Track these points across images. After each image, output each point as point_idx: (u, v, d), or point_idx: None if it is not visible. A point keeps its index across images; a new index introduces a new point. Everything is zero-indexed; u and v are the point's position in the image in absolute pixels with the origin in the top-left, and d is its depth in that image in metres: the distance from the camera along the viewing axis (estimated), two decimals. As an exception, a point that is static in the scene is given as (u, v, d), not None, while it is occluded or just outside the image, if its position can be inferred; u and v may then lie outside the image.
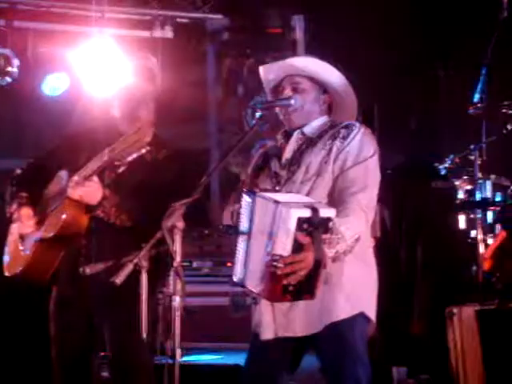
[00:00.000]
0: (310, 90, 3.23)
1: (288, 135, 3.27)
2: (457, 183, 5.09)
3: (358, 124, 3.17)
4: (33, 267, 3.78)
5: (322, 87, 3.25)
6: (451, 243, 5.40)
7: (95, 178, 3.61)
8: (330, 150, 3.11)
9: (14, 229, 3.92)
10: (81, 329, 3.79)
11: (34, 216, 3.86)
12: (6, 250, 3.96)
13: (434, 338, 4.47)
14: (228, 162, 3.26)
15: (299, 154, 3.18)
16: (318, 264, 2.84)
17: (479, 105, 4.88)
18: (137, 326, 3.01)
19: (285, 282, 2.83)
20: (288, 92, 3.23)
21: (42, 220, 3.81)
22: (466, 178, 5.06)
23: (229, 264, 5.81)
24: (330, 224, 2.86)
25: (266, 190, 3.07)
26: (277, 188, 3.15)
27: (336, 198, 3.04)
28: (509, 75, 5.29)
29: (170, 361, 2.89)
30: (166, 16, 7.17)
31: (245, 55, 7.48)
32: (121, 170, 3.66)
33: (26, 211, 3.86)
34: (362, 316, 3.07)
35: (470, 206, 5.02)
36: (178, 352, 2.89)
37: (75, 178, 3.65)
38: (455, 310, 4.11)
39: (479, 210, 4.92)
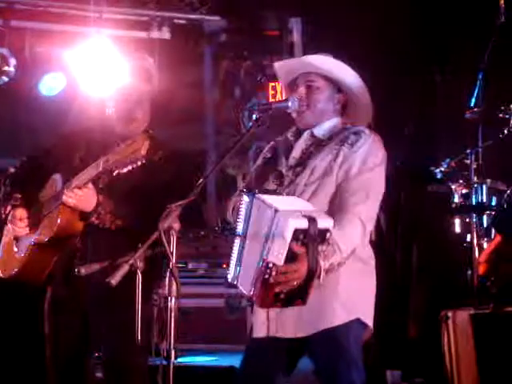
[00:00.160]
0: (324, 89, 3.20)
1: (299, 133, 3.25)
2: (453, 187, 5.09)
3: (367, 131, 3.14)
4: (28, 269, 3.78)
5: (337, 86, 3.21)
6: (446, 247, 5.40)
7: (90, 185, 3.60)
8: (337, 155, 3.09)
9: (8, 230, 3.91)
10: (75, 329, 3.78)
11: (28, 218, 3.85)
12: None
13: (429, 342, 4.47)
14: (225, 163, 3.25)
15: (306, 156, 3.16)
16: (312, 275, 2.83)
17: (476, 109, 4.89)
18: (131, 327, 3.01)
19: (277, 289, 2.83)
20: (302, 90, 3.19)
21: (36, 223, 3.80)
22: (461, 181, 5.06)
23: (224, 265, 5.85)
24: (327, 235, 2.85)
25: (266, 191, 3.06)
26: (279, 189, 3.14)
27: (336, 206, 3.03)
28: (505, 80, 5.30)
29: (165, 362, 2.89)
30: (163, 17, 7.17)
31: (242, 57, 7.49)
32: (115, 173, 3.64)
33: (20, 213, 3.85)
34: (358, 322, 3.06)
35: (465, 209, 5.02)
36: (173, 353, 2.88)
37: (70, 185, 3.63)
38: (450, 314, 4.11)
39: (475, 214, 4.92)
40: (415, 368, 4.82)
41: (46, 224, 3.73)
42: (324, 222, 2.84)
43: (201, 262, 6.13)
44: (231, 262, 3.00)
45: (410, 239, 5.63)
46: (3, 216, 3.91)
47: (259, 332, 3.14)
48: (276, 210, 2.81)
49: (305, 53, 7.05)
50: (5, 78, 6.39)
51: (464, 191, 5.05)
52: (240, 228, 2.97)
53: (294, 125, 3.30)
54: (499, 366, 4.02)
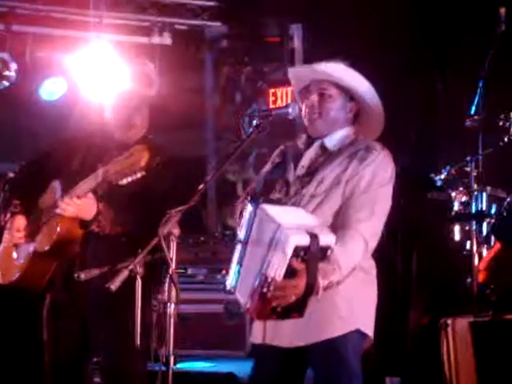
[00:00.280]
0: (336, 97, 3.17)
1: (309, 141, 3.23)
2: (453, 194, 5.09)
3: (378, 147, 3.10)
4: (27, 276, 3.78)
5: (349, 95, 3.18)
6: (446, 254, 5.40)
7: (90, 195, 3.59)
8: (346, 169, 3.06)
9: (7, 237, 3.90)
10: (74, 335, 3.78)
11: (27, 225, 3.85)
12: None
13: (428, 349, 4.47)
14: (225, 169, 3.25)
15: (315, 166, 3.14)
16: (310, 291, 2.82)
17: (476, 117, 4.89)
18: (130, 333, 3.01)
19: (274, 304, 2.82)
20: (314, 97, 3.16)
21: (36, 230, 3.80)
22: (461, 189, 5.06)
23: (224, 271, 5.84)
24: (329, 252, 2.83)
25: (271, 201, 3.05)
26: (284, 199, 3.12)
27: (340, 221, 3.00)
28: (505, 88, 5.31)
29: (164, 368, 2.88)
30: (164, 22, 7.19)
31: (243, 63, 7.51)
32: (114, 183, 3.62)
33: (20, 220, 3.85)
34: (358, 332, 3.04)
35: (465, 217, 5.02)
36: (172, 359, 2.88)
37: (70, 194, 3.62)
38: (449, 322, 4.11)
39: (474, 222, 4.92)
40: (414, 375, 4.81)
41: (46, 232, 3.72)
42: (326, 239, 2.81)
43: (200, 268, 6.12)
44: (231, 269, 2.99)
45: (410, 247, 5.62)
46: (2, 223, 3.90)
47: (256, 338, 3.13)
48: (279, 225, 2.79)
49: (305, 59, 7.09)
50: (5, 83, 6.40)
51: (464, 199, 5.05)
52: (242, 236, 2.96)
53: (304, 132, 3.27)
54: (498, 373, 4.02)
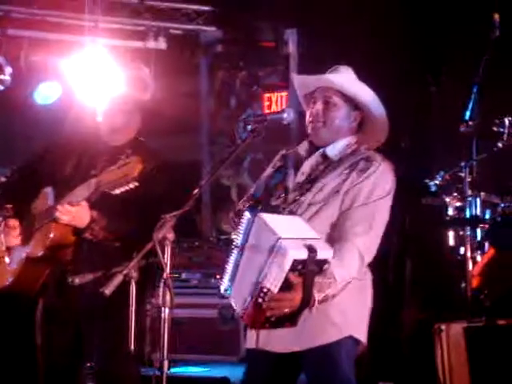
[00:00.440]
0: (341, 106, 3.15)
1: (310, 149, 3.22)
2: (447, 200, 5.10)
3: (379, 159, 3.09)
4: (20, 281, 3.77)
5: (354, 103, 3.17)
6: (440, 260, 5.41)
7: (84, 203, 3.58)
8: (345, 179, 3.04)
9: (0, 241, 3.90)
10: (67, 339, 3.77)
11: (20, 229, 3.84)
12: None
13: (422, 354, 4.47)
14: (219, 174, 3.24)
15: (315, 175, 3.13)
16: (304, 305, 2.82)
17: (470, 123, 4.90)
18: (124, 338, 3.00)
19: (268, 314, 2.82)
20: (319, 105, 3.15)
21: (28, 235, 3.80)
22: (455, 194, 5.07)
23: (218, 276, 5.84)
24: (325, 266, 2.83)
25: (269, 208, 3.04)
26: (283, 206, 3.11)
27: (337, 233, 2.99)
28: (499, 93, 5.32)
29: (158, 372, 2.88)
30: (159, 27, 7.19)
31: (237, 68, 7.52)
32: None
33: (12, 224, 3.84)
34: (351, 338, 3.04)
35: (459, 222, 5.03)
36: (166, 364, 2.88)
37: (63, 202, 3.62)
38: (443, 327, 4.11)
39: (469, 227, 4.93)
40: (408, 380, 4.82)
41: (39, 238, 3.72)
42: (324, 253, 2.80)
43: (194, 273, 6.12)
44: (225, 273, 2.99)
45: (404, 252, 5.63)
46: (-6, 227, 3.90)
47: (249, 343, 3.13)
48: (278, 238, 2.78)
49: (300, 64, 7.10)
50: (0, 87, 6.38)
51: (458, 204, 5.06)
52: (238, 242, 2.95)
53: (304, 139, 3.26)
54: (492, 378, 4.02)
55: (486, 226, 4.94)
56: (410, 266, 5.60)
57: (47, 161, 3.93)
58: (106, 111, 3.86)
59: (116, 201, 3.55)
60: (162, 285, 2.85)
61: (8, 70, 6.42)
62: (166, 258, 2.87)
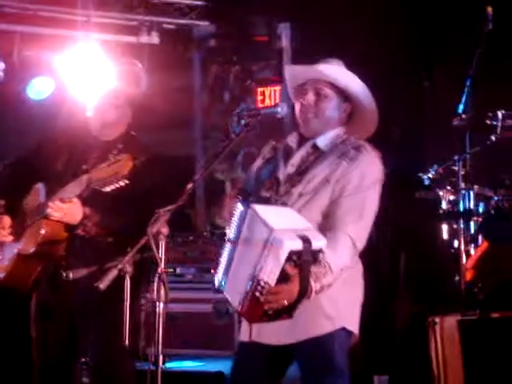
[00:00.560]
0: (332, 97, 3.18)
1: (300, 140, 3.23)
2: (440, 193, 5.11)
3: (368, 147, 3.13)
4: (13, 277, 3.77)
5: (344, 95, 3.20)
6: (434, 253, 5.42)
7: (75, 199, 3.58)
8: (335, 169, 3.07)
9: None
10: (62, 335, 3.78)
11: (11, 225, 3.84)
12: None
13: (416, 347, 4.48)
14: (213, 168, 3.24)
15: (305, 165, 3.15)
16: (302, 296, 2.84)
17: (463, 116, 4.91)
18: (119, 332, 3.01)
19: (266, 307, 2.82)
20: (310, 96, 3.17)
21: (20, 232, 3.79)
22: (449, 188, 5.08)
23: (212, 270, 5.84)
24: (320, 256, 2.85)
25: (261, 200, 3.05)
26: (274, 197, 3.11)
27: (329, 222, 3.01)
28: (493, 87, 5.33)
29: (153, 367, 2.88)
30: (152, 22, 7.18)
31: (231, 62, 7.50)
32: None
33: (4, 220, 3.83)
34: (343, 330, 3.06)
35: (453, 216, 5.04)
36: (161, 358, 2.88)
37: (54, 198, 3.61)
38: (437, 320, 4.12)
39: (462, 221, 4.93)
40: (402, 373, 4.83)
41: (30, 234, 3.72)
42: (318, 243, 2.82)
43: (189, 267, 6.12)
44: (219, 268, 2.99)
45: (398, 245, 5.64)
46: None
47: (243, 336, 3.14)
48: (272, 230, 2.79)
49: (293, 58, 7.09)
50: (-7, 82, 6.37)
51: (451, 197, 5.07)
52: (231, 235, 2.96)
53: (295, 131, 3.28)
54: (486, 371, 4.04)
55: (480, 219, 4.95)
56: (403, 260, 5.61)
57: (40, 156, 3.93)
58: (98, 106, 3.86)
59: (108, 197, 3.55)
60: (156, 279, 2.86)
61: (1, 65, 6.40)
62: (161, 253, 2.87)
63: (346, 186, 3.04)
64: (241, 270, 2.88)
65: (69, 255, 3.71)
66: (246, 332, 3.11)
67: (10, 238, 3.81)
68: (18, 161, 4.06)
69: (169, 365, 3.00)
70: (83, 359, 3.97)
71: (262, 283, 2.77)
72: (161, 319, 2.86)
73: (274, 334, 3.04)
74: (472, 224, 4.99)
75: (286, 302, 2.82)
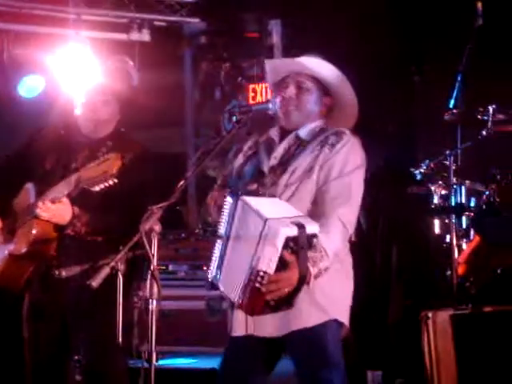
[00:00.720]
0: (313, 90, 3.22)
1: (283, 132, 3.25)
2: (432, 188, 5.11)
3: (348, 133, 3.16)
4: (4, 278, 3.77)
5: (325, 89, 3.24)
6: (426, 248, 5.43)
7: (64, 199, 3.58)
8: (318, 156, 3.10)
9: None
10: (54, 333, 3.77)
11: (2, 226, 3.83)
12: None
13: (409, 342, 4.49)
14: (205, 165, 3.25)
15: (288, 157, 3.17)
16: (302, 282, 2.85)
17: (454, 111, 4.92)
18: (111, 330, 3.01)
19: (267, 298, 2.83)
20: (292, 89, 3.20)
21: (11, 232, 3.79)
22: (441, 183, 5.09)
23: (205, 267, 5.83)
24: (314, 240, 2.87)
25: (248, 192, 3.06)
26: (261, 190, 3.13)
27: (318, 209, 3.04)
28: (483, 82, 5.34)
29: (146, 364, 2.88)
30: (143, 19, 7.15)
31: (222, 59, 7.49)
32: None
33: None
34: (335, 321, 3.07)
35: (444, 210, 5.05)
36: (154, 356, 2.88)
37: (43, 199, 3.60)
38: (430, 314, 4.12)
39: (454, 215, 4.94)
40: (396, 368, 4.84)
41: (22, 235, 3.71)
42: (311, 228, 2.84)
43: (181, 264, 6.11)
44: (212, 263, 2.99)
45: (390, 240, 5.65)
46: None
47: (238, 330, 3.13)
48: (266, 219, 2.80)
49: (284, 55, 7.09)
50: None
51: (443, 192, 5.07)
52: (223, 229, 2.97)
53: (276, 124, 3.30)
54: (478, 366, 4.05)
55: (471, 213, 4.96)
56: (396, 255, 5.61)
57: (29, 155, 3.92)
58: (87, 103, 3.85)
59: (97, 196, 3.55)
60: (149, 277, 2.86)
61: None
62: (153, 250, 2.87)
63: (330, 171, 3.07)
64: (236, 264, 2.88)
65: (60, 254, 3.71)
66: (239, 326, 3.11)
67: (1, 239, 3.81)
68: (8, 159, 4.05)
69: (162, 362, 3.00)
70: (76, 357, 3.97)
71: (262, 273, 2.78)
72: (154, 316, 2.86)
73: (268, 326, 3.05)
74: (464, 219, 5.00)
75: (287, 290, 2.83)
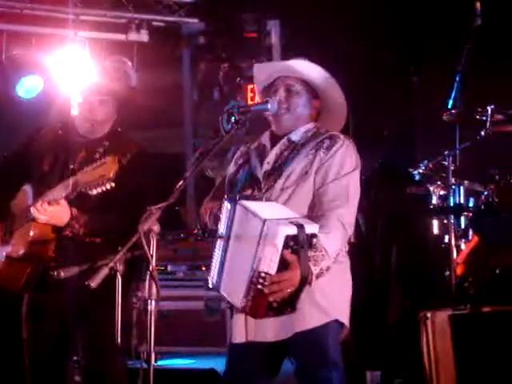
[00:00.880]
0: (302, 93, 3.23)
1: (274, 138, 3.26)
2: (430, 188, 5.12)
3: (342, 136, 3.17)
4: (3, 279, 3.77)
5: (314, 92, 3.24)
6: (425, 248, 5.43)
7: (62, 201, 3.57)
8: (313, 160, 3.11)
9: None
10: (53, 333, 3.77)
11: (0, 229, 3.83)
12: None
13: (408, 342, 4.49)
14: (204, 165, 3.25)
15: (281, 161, 3.17)
16: (304, 282, 2.85)
17: (453, 111, 4.92)
18: (110, 331, 3.00)
19: (270, 299, 2.83)
20: (281, 93, 3.21)
21: (8, 235, 3.78)
22: (439, 183, 5.09)
23: (203, 268, 5.84)
24: (314, 240, 2.87)
25: (245, 197, 3.06)
26: (258, 195, 3.13)
27: (317, 212, 3.04)
28: (482, 82, 5.34)
29: (145, 365, 2.88)
30: (141, 19, 7.15)
31: (220, 59, 7.48)
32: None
33: None
34: (336, 322, 3.08)
35: (443, 211, 5.05)
36: (153, 356, 2.88)
37: (41, 201, 3.60)
38: (428, 315, 4.12)
39: (452, 216, 4.94)
40: (395, 369, 4.84)
41: (19, 237, 3.71)
42: (311, 228, 2.85)
43: (180, 265, 6.11)
44: (212, 268, 2.99)
45: (389, 241, 5.65)
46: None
47: (238, 337, 3.13)
48: (264, 220, 2.80)
49: (283, 55, 7.09)
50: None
51: (442, 192, 5.08)
52: (222, 234, 2.96)
53: (268, 129, 3.31)
54: (477, 366, 4.05)
55: (470, 214, 4.96)
56: (395, 255, 5.61)
57: (27, 155, 3.92)
58: (85, 103, 3.85)
59: (95, 198, 3.55)
60: (148, 277, 2.85)
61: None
62: (152, 250, 2.87)
63: (327, 173, 3.08)
64: (237, 268, 2.88)
65: (58, 256, 3.70)
66: (240, 333, 3.11)
67: None
68: (7, 159, 4.05)
69: (161, 362, 3.00)
70: (75, 357, 3.97)
71: (263, 274, 2.78)
72: (152, 317, 2.86)
73: (268, 330, 3.05)
74: (462, 219, 5.00)
75: (290, 290, 2.83)
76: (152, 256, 2.86)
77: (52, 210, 3.57)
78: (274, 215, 2.86)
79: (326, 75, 3.24)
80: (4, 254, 3.73)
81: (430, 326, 4.09)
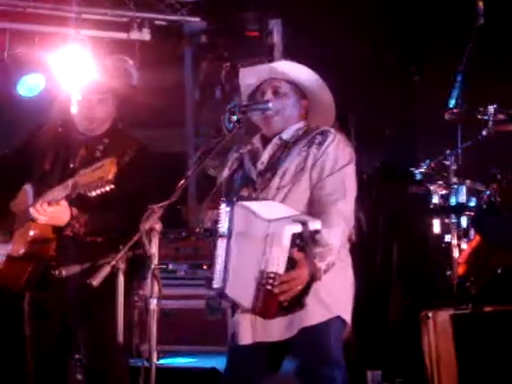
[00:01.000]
0: (290, 94, 3.24)
1: (265, 140, 3.27)
2: (432, 188, 5.12)
3: (333, 131, 3.18)
4: (4, 278, 3.77)
5: (302, 92, 3.25)
6: (426, 248, 5.43)
7: (63, 202, 3.57)
8: (307, 156, 3.12)
9: None
10: (55, 332, 3.77)
11: (0, 228, 3.83)
12: None
13: (409, 342, 4.49)
14: (205, 164, 3.25)
15: (274, 160, 3.18)
16: (312, 278, 2.86)
17: (455, 110, 4.92)
18: (112, 329, 3.00)
19: (281, 298, 2.83)
20: (269, 95, 3.22)
21: (9, 234, 3.78)
22: (441, 182, 5.09)
23: (205, 266, 5.83)
24: (318, 236, 2.87)
25: (241, 198, 3.06)
26: (254, 195, 3.14)
27: (316, 207, 3.05)
28: (484, 81, 5.34)
29: (147, 363, 2.88)
30: (143, 18, 7.14)
31: (222, 58, 7.48)
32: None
33: None
34: (338, 319, 3.09)
35: (444, 210, 5.05)
36: (155, 355, 2.88)
37: (41, 202, 3.60)
38: (430, 314, 4.13)
39: (454, 215, 4.94)
40: (396, 368, 4.84)
41: (20, 236, 3.71)
42: (314, 224, 2.85)
43: (181, 264, 6.11)
44: (215, 269, 2.98)
45: (390, 240, 5.65)
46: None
47: (244, 338, 3.13)
48: (268, 221, 2.81)
49: (284, 54, 7.09)
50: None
51: (443, 192, 5.08)
52: (223, 233, 2.96)
53: (259, 131, 3.32)
54: (479, 365, 4.05)
55: (472, 213, 4.96)
56: (396, 254, 5.62)
57: (28, 154, 3.91)
58: (84, 101, 3.85)
59: (96, 197, 3.54)
60: (149, 276, 2.85)
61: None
62: (154, 249, 2.87)
63: (322, 169, 3.10)
64: (243, 269, 2.88)
65: (59, 255, 3.70)
66: (246, 334, 3.10)
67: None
68: (7, 156, 4.05)
69: (162, 361, 3.00)
70: (77, 356, 3.97)
71: (272, 275, 2.78)
72: (154, 316, 2.86)
73: (276, 329, 3.05)
74: (464, 218, 5.00)
75: (298, 289, 2.83)
76: (154, 254, 2.86)
77: (52, 211, 3.56)
78: (275, 214, 2.86)
79: (314, 76, 3.25)
80: (5, 252, 3.73)
81: (431, 326, 4.09)
